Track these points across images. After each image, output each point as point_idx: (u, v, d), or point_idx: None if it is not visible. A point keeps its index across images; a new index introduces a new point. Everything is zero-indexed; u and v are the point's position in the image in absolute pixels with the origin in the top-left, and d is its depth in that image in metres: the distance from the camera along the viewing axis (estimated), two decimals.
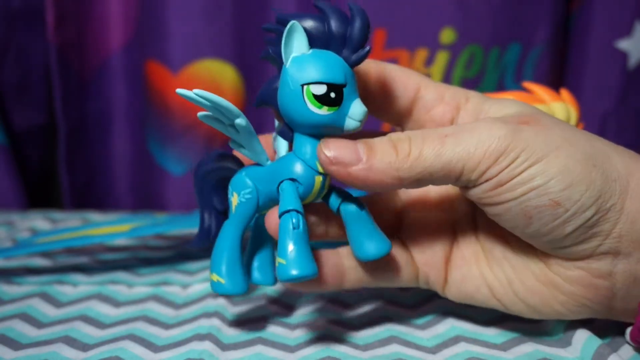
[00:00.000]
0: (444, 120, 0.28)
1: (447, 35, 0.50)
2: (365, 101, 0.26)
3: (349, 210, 0.26)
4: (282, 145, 0.27)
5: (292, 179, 0.25)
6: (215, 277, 0.27)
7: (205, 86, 0.53)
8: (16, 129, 0.54)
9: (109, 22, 0.54)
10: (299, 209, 0.25)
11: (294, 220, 0.24)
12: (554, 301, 0.26)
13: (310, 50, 0.24)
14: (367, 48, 0.24)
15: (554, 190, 0.23)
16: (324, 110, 0.24)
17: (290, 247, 0.24)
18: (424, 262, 0.28)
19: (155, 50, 0.52)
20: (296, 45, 0.24)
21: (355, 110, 0.24)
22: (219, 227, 0.28)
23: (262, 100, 0.26)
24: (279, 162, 0.26)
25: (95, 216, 0.49)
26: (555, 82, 0.54)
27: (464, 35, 0.50)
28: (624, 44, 0.51)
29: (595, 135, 0.25)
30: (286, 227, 0.24)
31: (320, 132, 0.25)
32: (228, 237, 0.27)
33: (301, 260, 0.24)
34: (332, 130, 0.25)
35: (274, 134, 0.28)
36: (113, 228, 0.38)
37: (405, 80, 0.28)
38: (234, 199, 0.27)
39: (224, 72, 0.53)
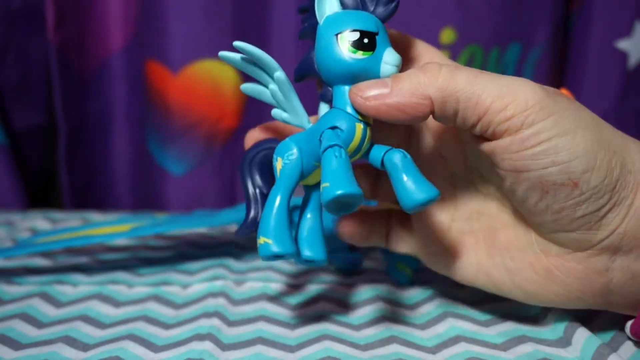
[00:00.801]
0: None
1: (447, 35, 0.50)
2: None
3: (392, 159, 0.25)
4: (324, 111, 0.28)
5: (333, 127, 0.26)
6: (262, 240, 0.25)
7: (205, 86, 0.53)
8: (16, 129, 0.54)
9: (109, 22, 0.54)
10: (340, 144, 0.25)
11: (336, 153, 0.24)
12: (549, 292, 0.26)
13: (342, 10, 0.26)
14: (396, 2, 0.26)
15: (577, 170, 0.23)
16: (359, 55, 0.25)
17: (335, 170, 0.24)
18: (425, 249, 0.30)
19: (155, 50, 0.52)
20: (328, 6, 0.26)
21: (390, 56, 0.25)
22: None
23: (300, 72, 0.27)
24: (320, 119, 0.27)
25: (95, 216, 0.49)
26: (555, 82, 0.54)
27: (464, 35, 0.50)
28: (624, 44, 0.51)
29: (614, 128, 0.25)
30: (329, 158, 0.24)
31: (357, 79, 0.25)
32: (274, 200, 0.26)
33: (344, 180, 0.23)
34: (369, 77, 0.25)
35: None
36: (113, 228, 0.38)
37: (429, 56, 0.28)
38: (279, 164, 0.27)
39: (224, 72, 0.53)
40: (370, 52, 0.25)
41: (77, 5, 0.52)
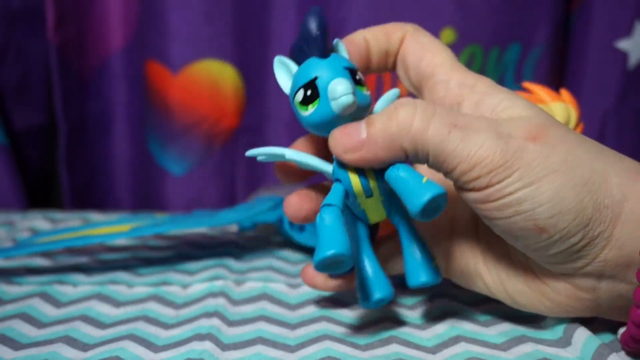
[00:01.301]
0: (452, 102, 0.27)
1: (447, 35, 0.50)
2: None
3: (393, 173, 0.25)
4: None
5: (338, 179, 0.26)
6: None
7: (205, 86, 0.53)
8: (16, 129, 0.54)
9: (109, 22, 0.54)
10: (332, 203, 0.25)
11: (323, 215, 0.25)
12: (541, 305, 0.27)
13: (296, 68, 0.27)
14: (318, 33, 0.25)
15: (541, 217, 0.23)
16: (310, 109, 0.25)
17: (320, 233, 0.24)
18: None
19: (155, 50, 0.52)
20: (283, 75, 0.27)
21: (332, 89, 0.24)
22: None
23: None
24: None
25: (95, 216, 0.49)
26: (555, 82, 0.54)
27: (464, 35, 0.50)
28: (624, 44, 0.51)
29: (600, 148, 0.25)
30: (318, 221, 0.25)
31: (329, 128, 0.25)
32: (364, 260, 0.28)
33: (326, 244, 0.24)
34: (336, 121, 0.25)
35: None
36: (113, 228, 0.38)
37: (430, 55, 0.28)
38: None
39: (224, 72, 0.53)
40: (317, 100, 0.25)
41: (77, 5, 0.52)
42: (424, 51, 0.28)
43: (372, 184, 0.26)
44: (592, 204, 0.23)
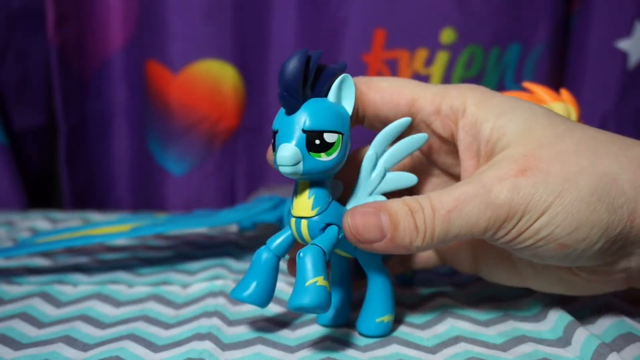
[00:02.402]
0: (446, 135, 0.28)
1: (447, 35, 0.50)
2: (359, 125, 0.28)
3: (299, 254, 0.25)
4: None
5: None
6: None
7: (205, 86, 0.53)
8: (16, 129, 0.54)
9: (109, 22, 0.54)
10: (268, 244, 0.27)
11: (261, 254, 0.27)
12: (575, 290, 0.28)
13: None
14: (280, 92, 0.24)
15: (561, 235, 0.24)
16: (272, 156, 0.26)
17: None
18: (453, 262, 0.31)
19: (155, 50, 0.52)
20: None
21: (277, 154, 0.25)
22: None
23: None
24: None
25: (95, 216, 0.49)
26: (555, 82, 0.54)
27: (464, 35, 0.50)
28: (624, 44, 0.51)
29: (602, 143, 0.25)
30: (256, 254, 0.27)
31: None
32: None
33: (241, 285, 0.27)
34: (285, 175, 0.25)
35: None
36: (113, 228, 0.38)
37: (396, 97, 0.27)
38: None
39: (224, 72, 0.53)
40: (275, 152, 0.25)
41: (77, 6, 0.52)
42: (392, 93, 0.27)
43: (307, 239, 0.26)
44: (605, 209, 0.24)
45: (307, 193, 0.26)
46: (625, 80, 0.52)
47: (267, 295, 0.27)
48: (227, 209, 0.42)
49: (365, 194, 0.27)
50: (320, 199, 0.26)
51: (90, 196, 0.57)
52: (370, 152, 0.27)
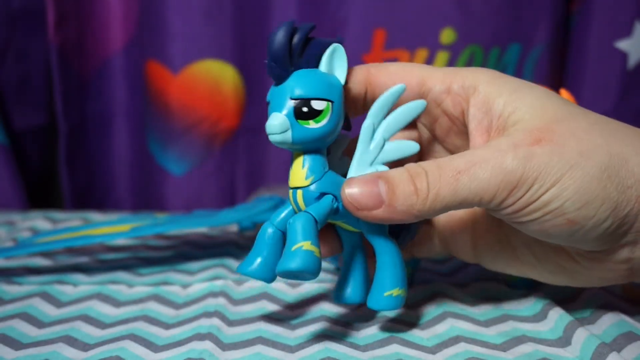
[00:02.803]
0: (456, 114, 0.27)
1: (447, 35, 0.50)
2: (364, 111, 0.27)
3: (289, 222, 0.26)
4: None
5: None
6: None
7: (205, 86, 0.53)
8: (16, 129, 0.54)
9: (109, 22, 0.54)
10: (272, 220, 0.27)
11: (266, 229, 0.27)
12: (575, 280, 0.28)
13: None
14: (267, 61, 0.25)
15: (570, 210, 0.23)
16: None
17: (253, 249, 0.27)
18: (453, 249, 0.31)
19: (155, 50, 0.52)
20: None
21: (267, 124, 0.25)
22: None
23: None
24: None
25: (95, 216, 0.49)
26: (555, 82, 0.54)
27: (464, 35, 0.50)
28: (624, 44, 0.51)
29: (614, 126, 0.25)
30: (262, 229, 0.27)
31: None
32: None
33: (247, 260, 0.27)
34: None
35: None
36: (113, 228, 0.38)
37: (407, 78, 0.27)
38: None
39: (224, 72, 0.53)
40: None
41: (77, 6, 0.52)
42: (402, 75, 0.27)
43: (302, 205, 0.26)
44: (615, 187, 0.23)
45: (300, 163, 0.26)
46: (625, 80, 0.52)
47: (272, 270, 0.27)
48: (227, 209, 0.42)
49: (366, 165, 0.27)
50: (314, 168, 0.26)
51: (90, 196, 0.57)
52: (367, 122, 0.27)
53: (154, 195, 0.57)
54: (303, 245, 0.24)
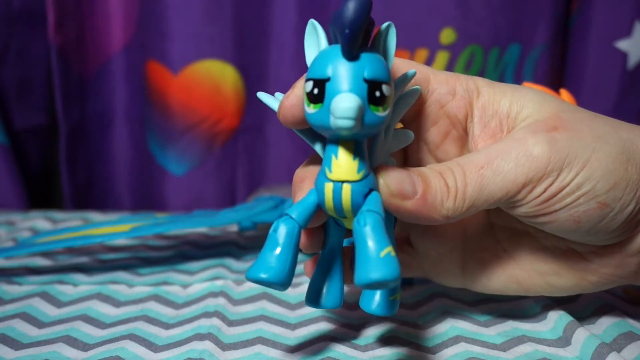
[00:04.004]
0: (459, 117, 0.26)
1: (447, 35, 0.50)
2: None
3: (359, 223, 0.22)
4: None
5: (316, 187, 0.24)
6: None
7: (205, 86, 0.53)
8: (16, 129, 0.54)
9: (110, 22, 0.54)
10: (290, 214, 0.23)
11: (271, 229, 0.23)
12: (585, 282, 0.27)
13: (324, 48, 0.23)
14: (347, 31, 0.21)
15: (601, 191, 0.23)
16: (312, 109, 0.22)
17: (262, 249, 0.23)
18: (436, 273, 0.29)
19: (155, 50, 0.52)
20: (311, 45, 0.24)
21: (335, 106, 0.21)
22: None
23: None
24: None
25: (95, 216, 0.49)
26: (555, 82, 0.54)
27: (464, 35, 0.50)
28: (623, 44, 0.51)
29: (612, 119, 0.25)
30: (273, 227, 0.24)
31: (326, 134, 0.23)
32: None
33: (259, 264, 0.23)
34: (329, 132, 0.22)
35: None
36: (113, 228, 0.38)
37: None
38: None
39: (224, 72, 0.53)
40: (320, 104, 0.22)
41: (77, 6, 0.52)
42: (406, 69, 0.26)
43: (346, 207, 0.23)
44: (634, 169, 0.24)
45: (351, 153, 0.23)
46: (625, 80, 0.52)
47: (289, 273, 0.23)
48: (227, 209, 0.42)
49: (387, 156, 0.25)
50: (364, 162, 0.23)
51: (90, 196, 0.57)
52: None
53: (154, 195, 0.57)
54: (391, 250, 0.21)
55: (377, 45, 0.23)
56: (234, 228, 0.46)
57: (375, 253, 0.21)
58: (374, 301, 0.25)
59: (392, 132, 0.25)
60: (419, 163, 0.28)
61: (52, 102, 0.55)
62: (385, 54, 0.23)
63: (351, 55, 0.22)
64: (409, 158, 0.28)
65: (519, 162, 0.23)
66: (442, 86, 0.26)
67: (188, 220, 0.39)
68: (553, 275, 0.27)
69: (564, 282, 0.27)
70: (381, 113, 0.22)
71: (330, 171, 0.23)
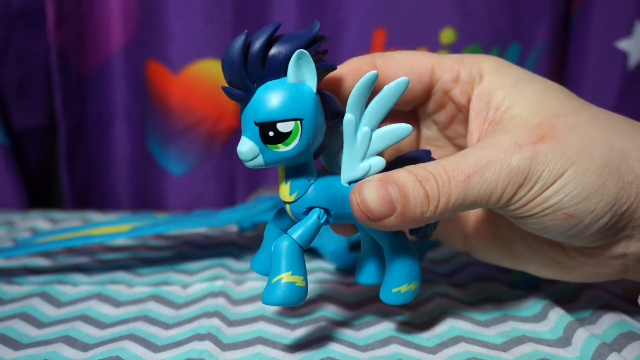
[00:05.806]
0: (463, 102, 0.27)
1: (447, 35, 0.50)
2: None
3: (275, 243, 0.25)
4: None
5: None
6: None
7: (205, 86, 0.53)
8: (16, 129, 0.54)
9: (109, 22, 0.54)
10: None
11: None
12: (569, 276, 0.28)
13: None
14: (226, 77, 0.23)
15: (568, 205, 0.24)
16: None
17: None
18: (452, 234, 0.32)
19: (155, 50, 0.52)
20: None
21: (237, 149, 0.24)
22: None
23: None
24: None
25: (95, 216, 0.49)
26: (555, 82, 0.54)
27: (464, 35, 0.50)
28: (624, 44, 0.51)
29: (616, 121, 0.25)
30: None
31: None
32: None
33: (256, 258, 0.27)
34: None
35: None
36: (113, 228, 0.38)
37: (416, 66, 0.27)
38: None
39: None
40: None
41: (77, 6, 0.52)
42: (412, 64, 0.27)
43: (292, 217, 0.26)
44: (615, 183, 0.24)
45: (283, 178, 0.25)
46: (625, 80, 0.52)
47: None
48: (227, 209, 0.42)
49: (356, 161, 0.25)
50: (297, 183, 0.25)
51: (90, 196, 0.57)
52: (346, 117, 0.24)
53: (154, 195, 0.57)
54: (283, 277, 0.24)
55: (292, 72, 0.23)
56: (234, 228, 0.46)
57: (270, 278, 0.24)
58: (382, 291, 0.27)
59: (370, 132, 0.25)
60: (429, 142, 0.30)
61: (52, 102, 0.55)
62: (302, 79, 0.23)
63: (240, 104, 0.24)
64: (422, 135, 0.30)
65: (502, 175, 0.24)
66: (447, 73, 0.27)
67: (188, 221, 0.39)
68: (538, 263, 0.28)
69: (549, 271, 0.28)
70: (283, 149, 0.23)
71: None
